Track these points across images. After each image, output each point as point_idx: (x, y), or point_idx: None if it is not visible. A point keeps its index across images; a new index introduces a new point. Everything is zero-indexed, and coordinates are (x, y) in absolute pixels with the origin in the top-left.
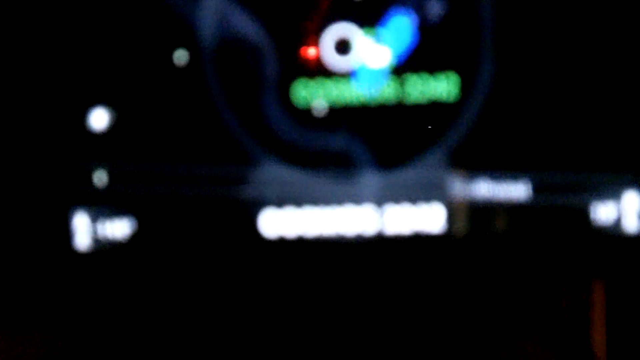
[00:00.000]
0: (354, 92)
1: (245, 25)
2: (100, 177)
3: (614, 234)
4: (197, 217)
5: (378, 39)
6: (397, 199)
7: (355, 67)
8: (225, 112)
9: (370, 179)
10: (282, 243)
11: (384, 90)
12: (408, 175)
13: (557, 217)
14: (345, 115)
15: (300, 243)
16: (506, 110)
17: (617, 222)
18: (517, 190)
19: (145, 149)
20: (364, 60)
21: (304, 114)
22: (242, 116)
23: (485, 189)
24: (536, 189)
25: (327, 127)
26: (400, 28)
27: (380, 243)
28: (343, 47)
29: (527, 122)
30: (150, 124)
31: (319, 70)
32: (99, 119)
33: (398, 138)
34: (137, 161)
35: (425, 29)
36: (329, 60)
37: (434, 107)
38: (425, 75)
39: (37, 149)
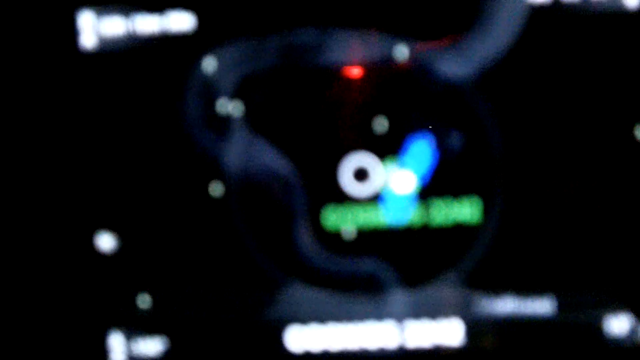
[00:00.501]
0: (381, 217)
1: (273, 158)
2: (143, 301)
3: (627, 345)
4: (227, 335)
5: (401, 166)
6: (417, 315)
7: (380, 193)
8: (253, 240)
9: (392, 297)
10: (307, 358)
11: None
12: (429, 293)
13: (573, 332)
14: (372, 239)
15: (325, 357)
16: (525, 232)
17: (631, 334)
18: (536, 307)
19: (182, 276)
20: (388, 187)
21: (333, 239)
22: (269, 244)
23: (503, 306)
24: (558, 306)
25: (354, 251)
26: (422, 154)
27: (402, 357)
28: (361, 175)
29: (545, 243)
30: (186, 253)
31: (346, 197)
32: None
33: (422, 259)
34: (175, 287)
35: (446, 155)
36: (347, 188)
37: (458, 230)
38: (449, 200)
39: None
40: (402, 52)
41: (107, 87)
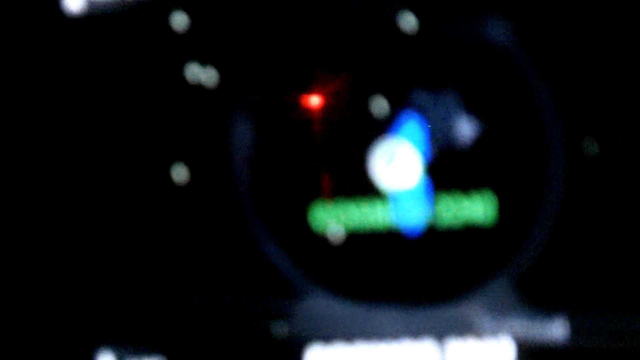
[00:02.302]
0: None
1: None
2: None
3: None
4: (234, 354)
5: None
6: (461, 332)
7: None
8: (265, 238)
9: (431, 310)
10: None
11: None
12: (474, 306)
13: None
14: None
15: None
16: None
17: None
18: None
19: (173, 281)
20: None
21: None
22: (284, 243)
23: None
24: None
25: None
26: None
27: None
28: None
29: (581, 251)
30: (186, 254)
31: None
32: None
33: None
34: (167, 295)
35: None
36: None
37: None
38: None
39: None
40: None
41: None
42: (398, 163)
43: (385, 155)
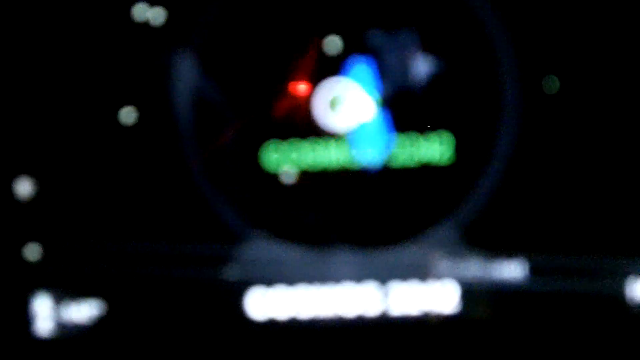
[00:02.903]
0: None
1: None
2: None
3: None
4: (175, 298)
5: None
6: (404, 276)
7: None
8: (205, 184)
9: (375, 254)
10: (271, 327)
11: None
12: (418, 250)
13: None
14: (337, 182)
15: (292, 327)
16: (510, 179)
17: None
18: (511, 272)
19: (115, 225)
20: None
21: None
22: (223, 187)
23: (506, 268)
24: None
25: (317, 195)
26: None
27: (385, 325)
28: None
29: (538, 191)
30: (126, 200)
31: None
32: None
33: (407, 208)
34: (107, 239)
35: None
36: (320, 119)
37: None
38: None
39: None
40: None
41: None
42: (348, 104)
43: (332, 96)
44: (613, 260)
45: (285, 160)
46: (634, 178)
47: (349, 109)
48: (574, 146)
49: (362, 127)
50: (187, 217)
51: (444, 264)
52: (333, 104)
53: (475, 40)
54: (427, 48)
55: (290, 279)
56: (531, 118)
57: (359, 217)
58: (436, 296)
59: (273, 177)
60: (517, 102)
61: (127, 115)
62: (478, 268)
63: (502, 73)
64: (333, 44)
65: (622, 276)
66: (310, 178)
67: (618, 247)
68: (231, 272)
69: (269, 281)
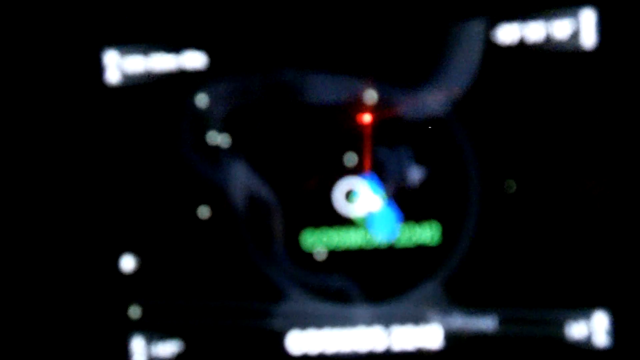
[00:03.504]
0: (360, 238)
1: (256, 184)
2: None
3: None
4: (236, 339)
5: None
6: (402, 321)
7: (365, 217)
8: (261, 256)
9: (380, 306)
10: (306, 359)
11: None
12: (412, 303)
13: (532, 341)
14: (346, 259)
15: (321, 359)
16: (483, 255)
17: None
18: (486, 323)
19: (194, 288)
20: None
21: (315, 257)
22: (273, 262)
23: (480, 320)
24: (506, 321)
25: (332, 268)
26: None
27: (388, 358)
28: (350, 197)
29: (504, 262)
30: (202, 271)
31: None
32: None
33: (391, 276)
34: (189, 296)
35: (409, 189)
36: (341, 210)
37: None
38: (412, 224)
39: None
40: (371, 95)
41: (127, 118)
42: (361, 197)
43: (347, 190)
44: (555, 310)
45: (319, 242)
46: (569, 253)
47: (362, 201)
48: (525, 230)
49: (374, 216)
50: (246, 282)
51: (431, 312)
52: (349, 197)
53: (452, 155)
54: (418, 160)
55: (319, 325)
56: (494, 211)
57: (371, 280)
58: (426, 336)
59: (309, 255)
60: (484, 200)
61: (203, 211)
62: (457, 316)
63: (472, 179)
64: (351, 159)
65: (562, 322)
66: (336, 255)
67: (558, 301)
68: (276, 320)
69: (303, 326)
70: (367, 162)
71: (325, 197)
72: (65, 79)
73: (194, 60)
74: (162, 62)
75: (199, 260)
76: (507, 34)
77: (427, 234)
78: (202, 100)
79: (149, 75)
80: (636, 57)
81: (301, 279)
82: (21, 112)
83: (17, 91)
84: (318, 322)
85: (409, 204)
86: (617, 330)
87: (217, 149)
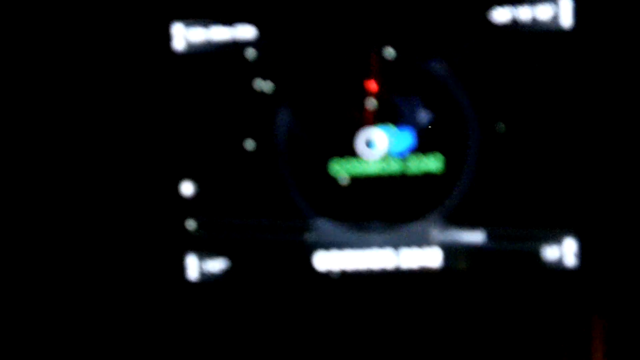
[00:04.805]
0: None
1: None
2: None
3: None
4: (271, 255)
5: (391, 135)
6: (409, 244)
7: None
8: (294, 185)
9: (392, 230)
10: (329, 275)
11: (393, 165)
12: (417, 227)
13: (513, 259)
14: (365, 184)
15: (342, 275)
16: (478, 182)
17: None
18: (478, 237)
19: (236, 212)
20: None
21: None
22: (300, 186)
23: (473, 237)
24: (496, 238)
25: (354, 193)
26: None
27: (397, 275)
28: (369, 144)
29: (495, 188)
30: (247, 194)
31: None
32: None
33: (404, 201)
34: (234, 218)
35: (420, 128)
36: (362, 152)
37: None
38: (420, 155)
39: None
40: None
41: (191, 77)
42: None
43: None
44: (535, 231)
45: (344, 169)
46: (547, 184)
47: (379, 146)
48: (512, 163)
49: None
50: (279, 205)
51: (434, 234)
52: (368, 144)
53: (453, 103)
54: (426, 106)
55: (340, 245)
56: (487, 148)
57: (385, 207)
58: (428, 257)
59: (334, 180)
60: (479, 138)
61: (250, 144)
62: (454, 237)
63: (470, 121)
64: (371, 104)
65: (539, 244)
66: (358, 183)
67: (537, 224)
68: (305, 240)
69: (327, 246)
70: (384, 109)
71: (349, 136)
72: (141, 46)
73: (246, 32)
74: (219, 33)
75: (245, 185)
76: (501, 15)
77: (432, 163)
78: (250, 53)
79: (208, 44)
80: (606, 36)
81: (327, 204)
82: (105, 71)
83: (101, 55)
84: (339, 243)
85: (418, 140)
86: (583, 254)
87: (263, 94)
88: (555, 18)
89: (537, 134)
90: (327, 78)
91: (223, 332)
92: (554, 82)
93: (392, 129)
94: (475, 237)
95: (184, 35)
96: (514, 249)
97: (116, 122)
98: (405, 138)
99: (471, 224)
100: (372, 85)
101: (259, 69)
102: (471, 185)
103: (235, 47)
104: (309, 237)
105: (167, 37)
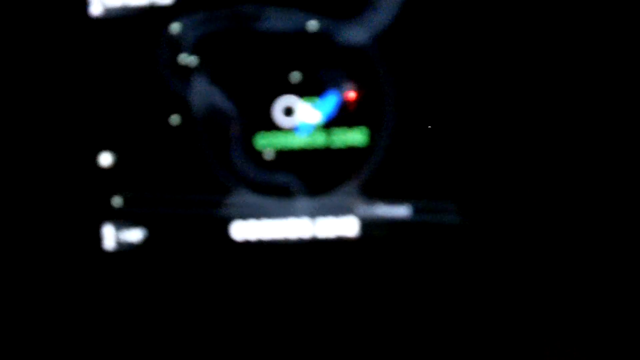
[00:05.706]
0: (297, 141)
1: (223, 99)
2: (120, 201)
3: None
4: (189, 226)
5: (314, 106)
6: (325, 214)
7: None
8: (213, 157)
9: (307, 201)
10: (246, 244)
11: (318, 138)
12: (334, 198)
13: (431, 231)
14: (290, 157)
15: (259, 245)
16: (397, 155)
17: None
18: (400, 211)
19: (158, 182)
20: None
21: (262, 156)
22: (221, 159)
23: (389, 209)
24: (413, 210)
25: (277, 166)
26: (329, 100)
27: (314, 244)
28: (288, 111)
29: (416, 162)
30: (162, 166)
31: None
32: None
33: (327, 173)
34: (152, 190)
35: (345, 100)
36: (278, 120)
37: (351, 151)
38: (345, 129)
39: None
40: (313, 25)
41: (108, 43)
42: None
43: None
44: (446, 201)
45: (268, 144)
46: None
47: (299, 114)
48: (429, 137)
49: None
50: (202, 179)
51: (354, 205)
52: (286, 111)
53: (376, 77)
54: (350, 79)
55: (258, 216)
56: (408, 122)
57: (306, 179)
58: (346, 226)
59: (259, 154)
60: (400, 112)
61: (175, 119)
62: (369, 208)
63: (390, 96)
64: (295, 77)
65: (436, 208)
66: (283, 156)
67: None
68: (224, 211)
69: (245, 217)
70: (309, 81)
71: (268, 109)
72: (56, 10)
73: None
74: None
75: (167, 159)
76: None
77: (357, 137)
78: (174, 28)
79: (126, 9)
80: None
81: (250, 176)
82: (19, 35)
83: (14, 18)
84: (258, 214)
85: (342, 113)
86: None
87: (186, 68)
88: None
89: (445, 112)
90: (249, 51)
91: (139, 301)
92: (466, 55)
93: (314, 99)
94: (392, 208)
95: (100, 0)
96: (428, 220)
97: (31, 87)
98: (326, 107)
99: (388, 196)
100: (295, 58)
101: (181, 41)
102: (389, 158)
103: (154, 13)
104: (228, 207)
105: (84, 2)
